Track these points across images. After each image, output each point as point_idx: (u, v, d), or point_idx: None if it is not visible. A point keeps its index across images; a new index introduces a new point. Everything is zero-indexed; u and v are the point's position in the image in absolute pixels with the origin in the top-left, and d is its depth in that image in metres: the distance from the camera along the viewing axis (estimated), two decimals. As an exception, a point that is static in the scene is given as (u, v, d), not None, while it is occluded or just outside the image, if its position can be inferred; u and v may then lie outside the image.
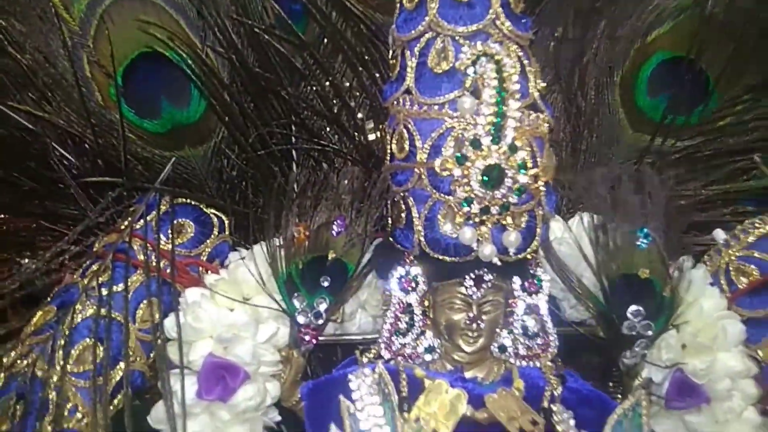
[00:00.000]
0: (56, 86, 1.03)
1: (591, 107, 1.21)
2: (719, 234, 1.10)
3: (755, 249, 1.05)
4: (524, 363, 0.99)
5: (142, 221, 1.00)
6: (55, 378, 0.85)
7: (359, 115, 1.16)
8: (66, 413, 0.86)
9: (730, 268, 1.05)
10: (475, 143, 0.88)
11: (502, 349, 0.99)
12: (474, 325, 0.94)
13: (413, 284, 0.98)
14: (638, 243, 0.97)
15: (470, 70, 0.88)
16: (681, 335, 0.99)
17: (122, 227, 0.99)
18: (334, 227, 0.97)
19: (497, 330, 0.98)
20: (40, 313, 0.93)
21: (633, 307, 0.96)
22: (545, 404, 0.89)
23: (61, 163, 1.06)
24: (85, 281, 0.94)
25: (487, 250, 0.90)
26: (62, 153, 1.08)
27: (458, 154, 0.88)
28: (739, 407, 0.99)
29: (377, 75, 1.10)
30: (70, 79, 1.02)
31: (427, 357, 0.98)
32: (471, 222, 0.90)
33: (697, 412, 1.00)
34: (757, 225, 1.06)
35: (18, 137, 1.06)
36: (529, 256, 0.98)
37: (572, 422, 0.85)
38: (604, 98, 1.21)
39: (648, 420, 0.88)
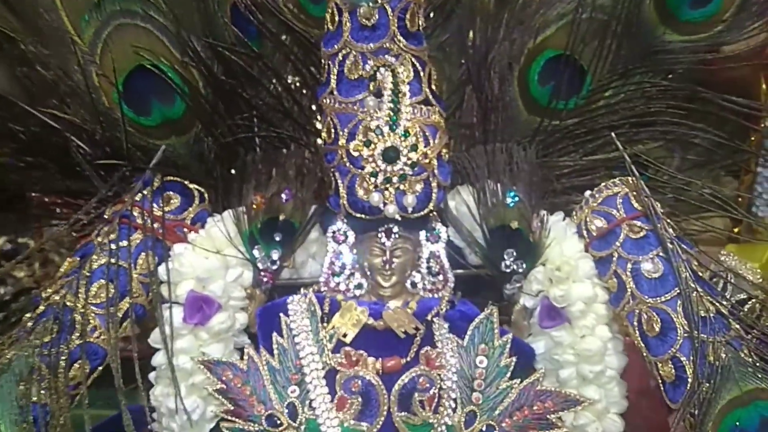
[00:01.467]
0: (73, 93, 1.30)
1: (496, 96, 1.42)
2: (587, 194, 1.32)
3: (605, 205, 1.26)
4: (430, 295, 1.25)
5: (140, 194, 1.27)
6: (79, 306, 1.18)
7: (312, 107, 1.45)
8: (88, 331, 1.18)
9: (587, 220, 1.27)
10: (378, 131, 1.15)
11: (413, 284, 1.25)
12: (387, 266, 1.21)
13: (344, 236, 1.26)
14: (508, 202, 1.23)
15: (372, 78, 1.17)
16: (546, 271, 1.23)
17: (126, 199, 1.28)
18: (284, 196, 1.24)
19: (408, 270, 1.25)
20: (67, 262, 1.24)
21: (508, 250, 1.23)
22: (429, 318, 1.17)
23: (78, 151, 1.34)
24: (99, 239, 1.24)
25: (391, 209, 1.18)
26: (79, 144, 1.36)
27: (365, 139, 1.17)
28: (592, 324, 1.21)
29: (318, 77, 1.38)
30: (83, 88, 1.29)
31: (357, 292, 1.24)
32: (378, 189, 1.17)
33: (561, 330, 1.22)
34: (608, 186, 1.27)
35: (45, 133, 1.36)
36: (430, 215, 1.24)
37: (445, 329, 1.15)
38: (506, 89, 1.42)
39: (497, 325, 1.15)
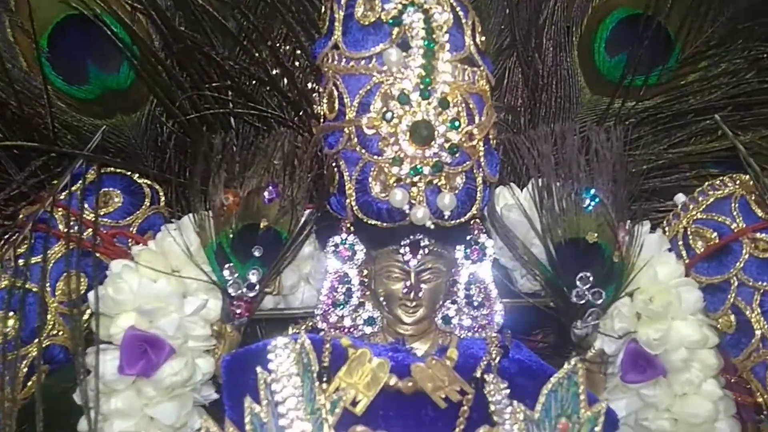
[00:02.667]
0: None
1: (549, 70, 1.17)
2: (680, 198, 1.08)
3: (713, 211, 1.02)
4: (469, 335, 0.94)
5: (66, 191, 0.96)
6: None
7: (308, 86, 1.12)
8: None
9: (688, 232, 1.03)
10: (403, 98, 0.84)
11: (446, 320, 0.95)
12: (412, 295, 0.91)
13: (350, 253, 0.94)
14: (584, 205, 0.93)
15: (397, 21, 0.84)
16: (634, 303, 0.96)
17: (44, 197, 0.96)
18: (266, 194, 0.94)
19: (440, 301, 0.94)
20: (-45, 283, 0.89)
21: (582, 274, 0.92)
22: (478, 374, 0.85)
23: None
24: (1, 251, 0.90)
25: (420, 213, 0.86)
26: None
27: (385, 110, 0.84)
28: (698, 379, 0.95)
29: (315, 34, 1.05)
30: None
31: (368, 329, 0.94)
32: (402, 183, 0.86)
33: (653, 386, 0.95)
34: (716, 187, 1.03)
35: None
36: (471, 222, 0.94)
37: (506, 392, 0.81)
38: (562, 60, 1.17)
39: (584, 388, 0.83)
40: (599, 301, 0.94)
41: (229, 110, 1.03)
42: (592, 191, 0.93)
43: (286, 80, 1.08)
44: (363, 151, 0.87)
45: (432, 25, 0.84)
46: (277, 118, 1.09)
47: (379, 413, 0.79)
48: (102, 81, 1.06)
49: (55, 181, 0.98)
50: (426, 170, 0.85)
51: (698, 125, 1.14)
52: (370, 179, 0.88)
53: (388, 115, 0.84)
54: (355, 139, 0.88)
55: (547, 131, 0.94)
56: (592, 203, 0.93)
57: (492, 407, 0.79)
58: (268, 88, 1.07)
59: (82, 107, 1.07)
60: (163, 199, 1.07)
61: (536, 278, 0.97)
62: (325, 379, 0.80)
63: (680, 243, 1.04)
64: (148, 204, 1.04)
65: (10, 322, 0.87)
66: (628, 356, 0.97)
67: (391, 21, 0.85)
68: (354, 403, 0.77)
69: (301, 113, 1.09)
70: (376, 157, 0.87)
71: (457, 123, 0.85)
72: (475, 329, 0.95)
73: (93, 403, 0.85)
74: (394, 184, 0.87)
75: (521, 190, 1.05)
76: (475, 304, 0.95)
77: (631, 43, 1.13)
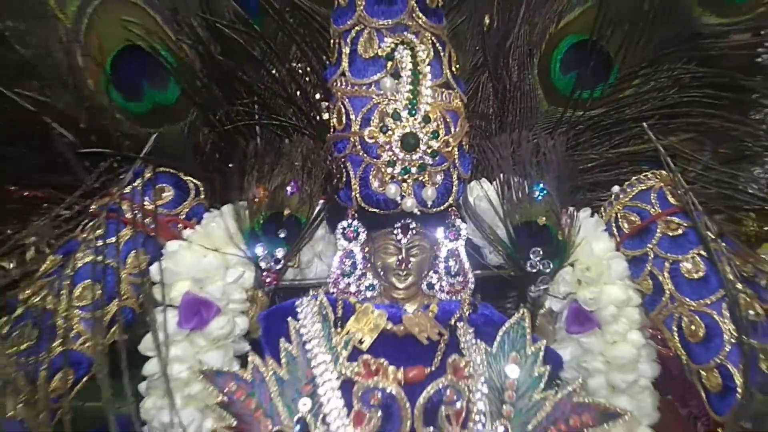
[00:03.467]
0: (54, 76, 1.18)
1: (514, 85, 1.34)
2: (615, 189, 1.24)
3: (637, 200, 1.18)
4: (448, 297, 1.15)
5: (129, 187, 1.17)
6: (62, 309, 1.05)
7: (317, 96, 1.33)
8: (71, 338, 1.05)
9: (618, 216, 1.19)
10: (395, 115, 1.05)
11: (430, 286, 1.16)
12: (403, 266, 1.11)
13: (354, 234, 1.15)
14: (535, 196, 1.12)
15: (390, 56, 1.06)
16: (575, 272, 1.14)
17: (113, 192, 1.18)
18: (289, 189, 1.13)
19: (425, 270, 1.15)
20: (48, 260, 1.12)
21: (534, 249, 1.12)
22: (452, 322, 1.06)
23: (61, 139, 1.23)
24: (84, 235, 1.13)
25: (409, 203, 1.08)
26: (62, 131, 1.24)
27: (382, 125, 1.06)
28: (624, 330, 1.12)
29: (324, 59, 1.27)
30: (66, 69, 1.18)
31: (369, 294, 1.14)
32: (395, 180, 1.07)
33: (591, 335, 1.13)
34: (641, 180, 1.19)
35: (24, 120, 1.23)
36: (449, 210, 1.14)
37: (471, 335, 1.04)
38: (525, 77, 1.34)
39: (530, 330, 1.05)
40: (548, 270, 1.12)
41: (255, 121, 1.25)
42: (541, 185, 1.12)
43: (300, 95, 1.28)
44: (365, 155, 1.08)
45: (417, 59, 1.05)
46: (293, 126, 1.30)
47: (379, 348, 1.00)
48: (153, 98, 1.25)
49: (121, 176, 1.18)
50: (413, 170, 1.07)
51: (632, 131, 1.31)
52: (370, 177, 1.09)
53: (384, 128, 1.06)
54: (359, 146, 1.08)
55: (507, 139, 1.17)
56: (541, 194, 1.12)
57: (461, 344, 1.02)
58: (285, 102, 1.26)
59: (137, 119, 1.25)
60: (202, 192, 1.26)
61: (499, 253, 1.17)
62: (338, 326, 1.03)
63: (613, 225, 1.20)
64: (193, 196, 1.23)
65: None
66: (570, 313, 1.15)
67: (385, 56, 1.06)
68: (360, 342, 1.00)
69: (312, 122, 1.29)
70: (374, 159, 1.07)
71: (436, 134, 1.06)
72: (453, 293, 1.15)
73: (160, 350, 1.06)
74: (389, 181, 1.07)
75: (491, 184, 1.28)
76: (453, 273, 1.15)
77: (580, 64, 1.30)
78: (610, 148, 1.34)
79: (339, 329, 1.03)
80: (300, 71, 1.30)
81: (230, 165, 1.25)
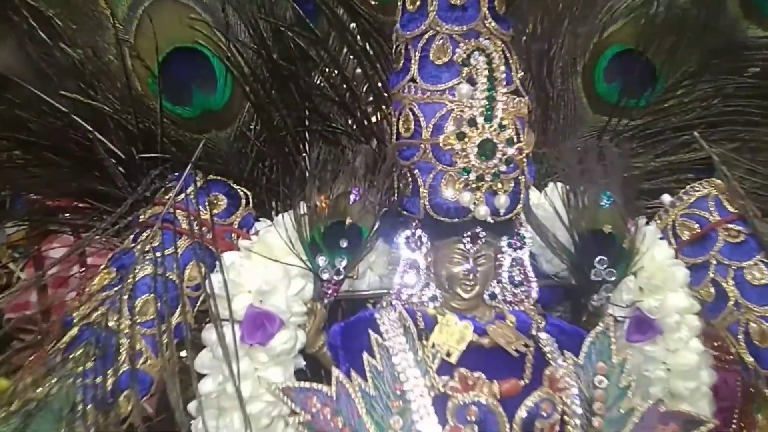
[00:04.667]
0: (101, 77, 1.12)
1: (558, 94, 1.35)
2: (666, 198, 1.27)
3: (695, 208, 1.21)
4: (511, 308, 1.12)
5: (182, 195, 1.12)
6: (124, 326, 0.99)
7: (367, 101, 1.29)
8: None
9: (676, 224, 1.21)
10: (472, 122, 1.03)
11: (493, 296, 1.13)
12: (471, 275, 1.08)
13: (418, 243, 1.13)
14: (602, 204, 1.11)
15: (466, 63, 1.05)
16: (638, 279, 1.14)
17: (164, 200, 1.12)
18: (351, 197, 1.09)
19: (489, 280, 1.12)
20: (101, 275, 1.05)
21: (599, 257, 1.11)
22: (533, 332, 1.05)
23: (102, 146, 1.16)
24: (139, 246, 1.07)
25: (482, 211, 1.05)
26: (98, 136, 1.16)
27: (459, 132, 1.04)
28: (686, 337, 1.14)
29: (378, 66, 1.24)
30: (114, 71, 1.13)
31: (431, 305, 1.11)
32: (469, 188, 1.05)
33: (652, 343, 1.15)
34: (696, 188, 1.22)
35: (63, 124, 1.16)
36: (514, 218, 1.12)
37: (555, 345, 1.03)
38: (569, 86, 1.35)
39: (616, 340, 1.05)
40: (612, 279, 1.12)
41: (312, 128, 1.21)
42: (608, 193, 1.11)
43: (353, 102, 1.25)
44: (437, 162, 1.06)
45: (492, 65, 1.04)
46: (344, 133, 1.27)
47: (467, 361, 0.98)
48: (201, 102, 1.19)
49: (170, 184, 1.12)
50: (488, 178, 1.04)
51: (677, 140, 1.33)
52: (441, 185, 1.06)
53: (461, 135, 1.03)
54: (430, 154, 1.06)
55: (573, 146, 1.17)
56: (608, 202, 1.11)
57: (548, 356, 1.01)
58: (341, 108, 1.23)
59: (184, 124, 1.20)
60: (251, 201, 1.21)
61: (562, 261, 1.16)
62: (423, 337, 1.00)
63: (669, 233, 1.22)
64: (244, 205, 1.19)
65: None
66: (632, 322, 1.15)
67: (461, 62, 1.04)
68: (448, 355, 0.97)
69: (366, 130, 1.26)
70: (447, 167, 1.05)
71: (511, 141, 1.04)
72: (515, 303, 1.13)
73: (230, 366, 0.99)
74: (463, 189, 1.05)
75: (539, 192, 1.27)
76: (516, 282, 1.13)
77: (624, 73, 1.31)
78: (655, 157, 1.35)
79: (424, 342, 0.99)
80: (353, 76, 1.26)
81: (282, 174, 1.20)
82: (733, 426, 1.20)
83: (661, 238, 1.21)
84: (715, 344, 1.20)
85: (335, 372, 0.97)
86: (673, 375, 1.15)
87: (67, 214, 1.29)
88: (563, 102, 1.36)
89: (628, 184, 1.15)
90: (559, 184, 1.18)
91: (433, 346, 0.99)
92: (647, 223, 1.22)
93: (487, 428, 0.92)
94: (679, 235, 1.22)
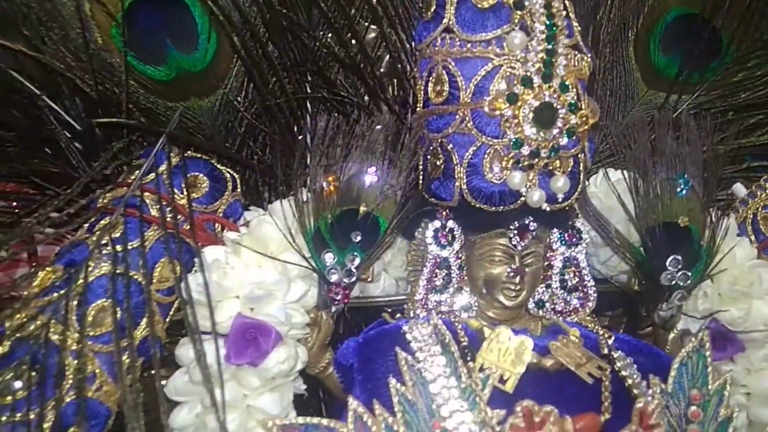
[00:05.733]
0: (53, 24, 0.89)
1: (606, 65, 1.16)
2: (739, 188, 1.09)
3: None
4: (562, 319, 0.93)
5: (152, 174, 0.90)
6: (71, 342, 0.75)
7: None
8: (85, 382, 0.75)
9: (758, 218, 1.03)
10: (526, 81, 0.82)
11: (540, 304, 0.94)
12: (517, 278, 0.89)
13: (449, 238, 0.93)
14: (678, 190, 0.92)
15: (519, 5, 0.83)
16: (717, 284, 0.97)
17: (129, 181, 0.89)
18: (366, 179, 0.90)
19: (538, 284, 0.93)
20: (44, 272, 0.81)
21: (672, 257, 0.92)
22: (605, 351, 0.84)
23: (53, 114, 0.93)
24: (94, 238, 0.83)
25: (536, 196, 0.85)
26: (51, 105, 0.94)
27: (509, 93, 0.83)
28: None
29: (398, 24, 1.03)
30: (68, 17, 0.90)
31: (464, 315, 0.91)
32: (520, 166, 0.84)
33: (731, 362, 0.97)
34: None
35: (3, 84, 0.93)
36: (570, 206, 0.92)
37: (635, 368, 0.81)
38: (619, 56, 1.16)
39: (710, 360, 0.84)
40: (686, 283, 0.92)
41: (317, 95, 0.99)
42: (685, 176, 0.92)
43: (367, 65, 1.03)
44: (479, 133, 0.85)
45: (552, 10, 0.83)
46: (353, 103, 1.05)
47: (527, 390, 0.77)
48: (178, 62, 0.97)
49: (138, 161, 0.91)
50: (543, 153, 0.84)
51: (747, 120, 1.15)
52: (484, 162, 0.86)
53: (512, 97, 0.82)
54: (470, 123, 0.85)
55: (644, 119, 0.96)
56: (686, 188, 0.92)
57: (629, 381, 0.79)
58: (346, 70, 1.01)
59: (156, 88, 0.98)
60: (239, 185, 1.00)
61: (626, 261, 0.97)
62: (469, 358, 0.78)
63: (749, 228, 1.04)
64: (230, 189, 0.96)
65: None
66: (708, 336, 0.94)
67: (513, 4, 0.83)
68: (502, 381, 0.76)
69: (375, 100, 1.04)
70: (493, 139, 0.84)
71: (575, 107, 0.84)
72: (567, 313, 0.94)
73: (211, 396, 0.77)
74: (512, 167, 0.84)
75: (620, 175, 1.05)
76: (569, 287, 0.95)
77: (685, 41, 1.13)
78: (721, 140, 1.14)
79: (470, 362, 0.76)
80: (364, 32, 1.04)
81: (279, 151, 0.97)
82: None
83: (738, 235, 1.02)
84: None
85: (352, 403, 0.74)
86: (753, 400, 0.98)
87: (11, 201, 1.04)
88: (612, 75, 1.16)
89: (711, 165, 0.95)
90: (618, 170, 0.98)
91: (482, 369, 0.76)
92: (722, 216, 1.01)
93: (560, 480, 0.69)
94: (763, 230, 1.03)
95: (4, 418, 0.69)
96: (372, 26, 1.03)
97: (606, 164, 1.07)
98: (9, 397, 0.70)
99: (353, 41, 1.01)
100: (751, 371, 0.98)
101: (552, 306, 0.94)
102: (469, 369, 0.76)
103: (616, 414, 0.77)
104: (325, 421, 0.75)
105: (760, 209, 1.04)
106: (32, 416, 0.69)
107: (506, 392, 0.76)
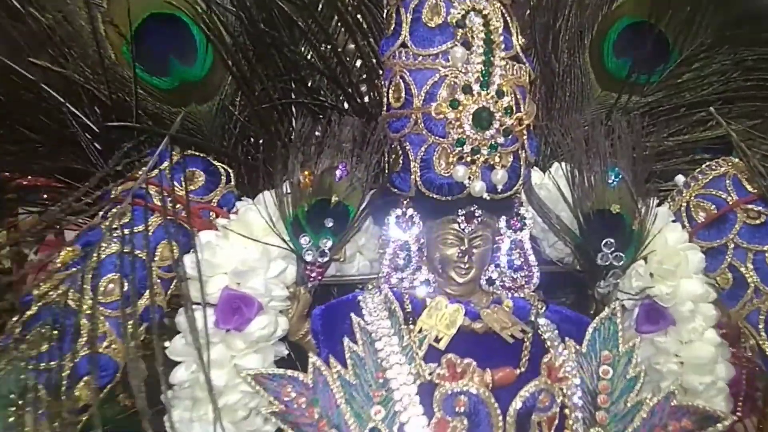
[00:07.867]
0: (73, 44, 1.05)
1: (564, 69, 1.27)
2: (680, 179, 1.18)
3: (711, 188, 1.12)
4: (509, 294, 1.05)
5: (156, 170, 1.05)
6: (86, 307, 0.91)
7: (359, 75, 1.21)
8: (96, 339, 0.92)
9: (691, 206, 1.12)
10: (467, 89, 0.95)
11: (490, 282, 1.06)
12: (465, 258, 1.00)
13: (409, 223, 1.05)
14: (609, 182, 1.03)
15: (460, 24, 0.96)
16: (648, 265, 1.06)
17: (137, 175, 1.05)
18: (337, 173, 1.02)
19: (486, 264, 1.05)
20: (65, 251, 0.97)
21: (606, 240, 1.02)
22: (532, 318, 0.96)
23: (75, 120, 1.09)
24: (107, 223, 0.99)
25: (478, 187, 0.97)
26: (74, 111, 1.10)
27: (452, 99, 0.95)
28: (701, 327, 1.06)
29: (370, 36, 1.16)
30: (86, 37, 1.06)
31: (422, 290, 1.03)
32: (463, 161, 0.97)
33: (664, 334, 1.06)
34: (712, 167, 1.13)
35: (32, 94, 1.09)
36: (513, 196, 1.04)
37: (556, 332, 0.94)
38: (576, 60, 1.27)
39: (622, 326, 0.96)
40: (620, 263, 1.03)
41: (297, 100, 1.13)
42: (616, 169, 1.03)
43: (342, 73, 1.17)
44: (428, 134, 0.97)
45: (490, 27, 0.95)
46: (331, 107, 1.18)
47: (457, 347, 0.89)
48: (180, 73, 1.12)
49: (145, 158, 1.06)
50: (484, 150, 0.96)
51: (692, 117, 1.24)
52: (434, 158, 0.98)
53: (454, 103, 0.94)
54: (422, 124, 0.97)
55: (579, 119, 1.08)
56: (616, 180, 1.02)
57: (548, 343, 0.92)
58: (329, 80, 1.15)
59: (161, 96, 1.13)
60: (233, 179, 1.13)
61: (566, 244, 1.08)
62: (410, 322, 0.92)
63: (683, 215, 1.13)
64: (224, 183, 1.11)
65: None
66: (642, 311, 1.07)
67: (455, 23, 0.95)
68: (437, 340, 0.89)
69: (355, 101, 1.18)
70: (440, 139, 0.97)
71: (510, 110, 0.95)
72: (515, 289, 1.05)
73: (199, 355, 0.92)
74: (456, 162, 0.96)
75: (543, 173, 1.18)
76: (515, 267, 1.06)
77: (635, 46, 1.22)
78: (668, 136, 1.26)
79: (411, 326, 0.91)
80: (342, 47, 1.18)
81: (266, 149, 1.12)
82: (738, 414, 1.12)
83: (674, 221, 1.12)
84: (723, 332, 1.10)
85: (312, 358, 0.89)
86: (686, 369, 1.07)
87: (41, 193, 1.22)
88: (569, 78, 1.28)
89: (639, 161, 1.06)
90: (564, 164, 1.09)
91: (421, 330, 0.90)
92: (659, 205, 1.12)
93: (477, 420, 0.84)
94: (694, 217, 1.12)
95: (31, 366, 0.85)
96: (348, 39, 1.17)
97: (561, 159, 1.19)
98: (35, 350, 0.86)
99: (331, 54, 1.16)
100: (682, 342, 1.06)
101: (501, 283, 1.06)
102: (410, 331, 0.90)
103: (531, 369, 0.90)
104: (290, 372, 0.90)
105: (692, 198, 1.13)
106: (53, 365, 0.86)
107: (439, 349, 0.89)
